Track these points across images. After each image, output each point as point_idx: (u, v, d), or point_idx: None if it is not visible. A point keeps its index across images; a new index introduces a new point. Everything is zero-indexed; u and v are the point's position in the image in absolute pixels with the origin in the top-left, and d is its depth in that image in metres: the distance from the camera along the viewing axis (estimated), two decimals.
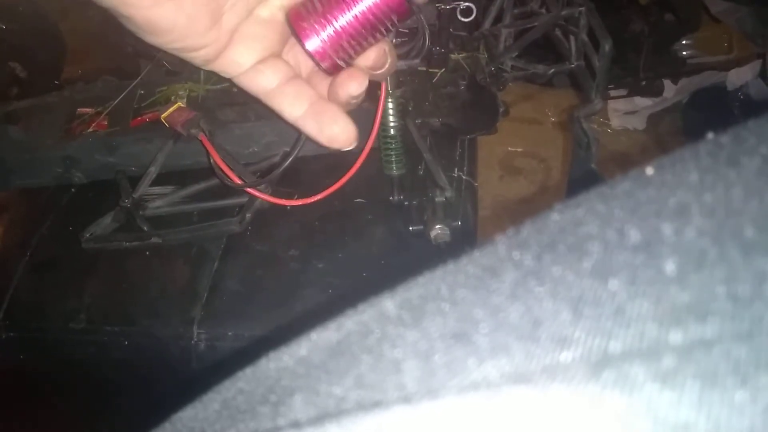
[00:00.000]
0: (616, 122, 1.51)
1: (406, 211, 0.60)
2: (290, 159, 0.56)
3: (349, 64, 0.41)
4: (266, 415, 0.20)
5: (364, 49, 0.41)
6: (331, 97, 0.43)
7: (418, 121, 0.62)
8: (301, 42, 0.40)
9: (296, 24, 0.39)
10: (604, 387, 0.15)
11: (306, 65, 0.44)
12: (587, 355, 0.16)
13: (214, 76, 0.54)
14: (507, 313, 0.18)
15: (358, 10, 0.39)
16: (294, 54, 0.44)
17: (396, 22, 0.40)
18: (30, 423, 0.66)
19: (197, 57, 0.41)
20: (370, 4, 0.38)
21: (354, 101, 0.43)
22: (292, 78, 0.43)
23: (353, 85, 0.41)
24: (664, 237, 0.18)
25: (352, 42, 0.40)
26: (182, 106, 0.61)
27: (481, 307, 0.19)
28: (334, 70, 0.41)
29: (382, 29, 0.40)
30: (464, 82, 0.64)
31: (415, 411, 0.17)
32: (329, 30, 0.39)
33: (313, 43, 0.39)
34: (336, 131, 0.42)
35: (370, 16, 0.39)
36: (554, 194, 1.38)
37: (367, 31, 0.39)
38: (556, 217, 0.21)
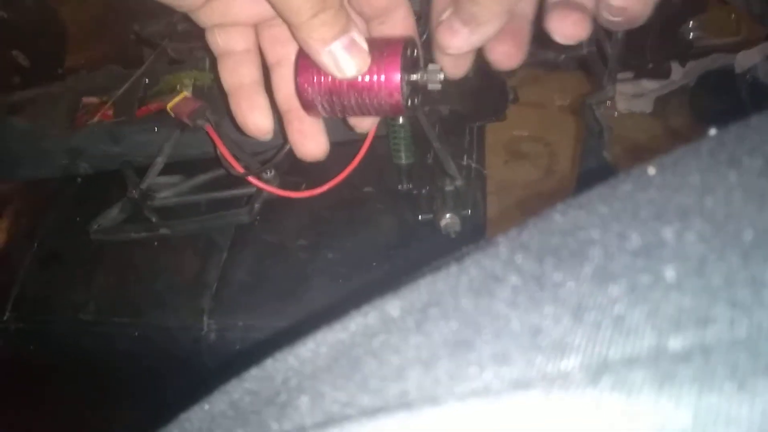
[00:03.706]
0: (622, 105, 1.50)
1: (415, 200, 0.60)
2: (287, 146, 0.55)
3: (324, 114, 0.41)
4: (273, 417, 0.21)
5: (344, 113, 0.41)
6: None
7: (427, 108, 0.62)
8: (296, 69, 0.39)
9: (302, 58, 0.39)
10: (603, 393, 0.15)
11: (273, 56, 0.43)
12: (587, 362, 0.16)
13: None
14: (509, 319, 0.18)
15: (360, 81, 0.38)
16: (271, 36, 0.42)
17: (387, 113, 0.40)
18: (38, 414, 0.66)
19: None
20: (372, 82, 0.38)
21: None
22: (251, 51, 0.42)
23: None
24: (665, 241, 0.18)
25: (339, 102, 0.39)
26: (188, 95, 0.61)
27: (484, 312, 0.19)
28: (307, 108, 0.41)
29: (371, 111, 0.40)
30: (473, 69, 0.63)
31: (416, 418, 0.17)
32: (327, 78, 0.38)
33: (305, 76, 0.39)
34: (241, 118, 0.42)
35: (365, 92, 0.38)
36: (560, 179, 1.37)
37: (357, 103, 0.39)
38: (558, 218, 0.21)
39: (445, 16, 0.37)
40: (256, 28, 0.42)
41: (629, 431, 0.15)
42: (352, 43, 0.36)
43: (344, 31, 0.36)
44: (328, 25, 0.35)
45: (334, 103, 0.39)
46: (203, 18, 0.41)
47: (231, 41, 0.41)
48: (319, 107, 0.40)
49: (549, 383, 0.16)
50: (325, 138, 0.43)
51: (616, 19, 0.35)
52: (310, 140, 0.42)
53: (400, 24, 0.40)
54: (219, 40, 0.41)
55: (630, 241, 0.18)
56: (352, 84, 0.38)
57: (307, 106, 0.40)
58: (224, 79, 0.42)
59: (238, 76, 0.41)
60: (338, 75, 0.37)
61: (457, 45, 0.37)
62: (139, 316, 0.57)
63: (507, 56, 0.39)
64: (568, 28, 0.35)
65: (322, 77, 0.38)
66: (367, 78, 0.38)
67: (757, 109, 0.21)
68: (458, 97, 0.63)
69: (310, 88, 0.39)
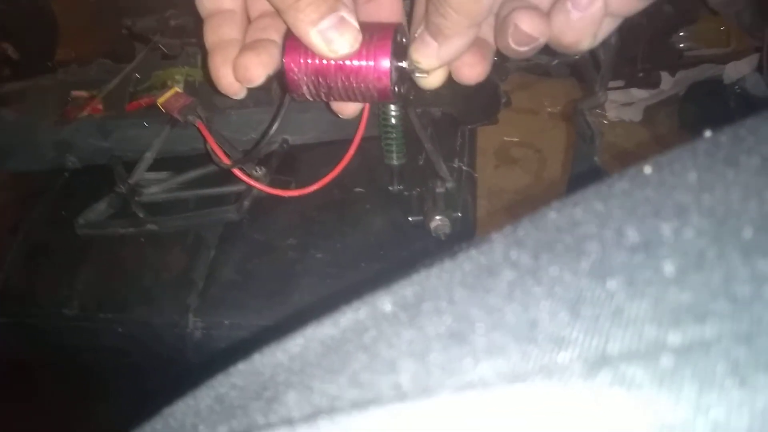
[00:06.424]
0: (612, 114, 1.51)
1: (405, 201, 0.60)
2: (272, 130, 0.54)
3: (309, 97, 0.41)
4: (259, 411, 0.20)
5: (330, 97, 0.41)
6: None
7: (419, 110, 0.62)
8: (283, 49, 0.39)
9: (289, 39, 0.38)
10: (601, 387, 0.15)
11: (254, 8, 0.42)
12: (584, 356, 0.16)
13: None
14: (504, 312, 0.18)
15: (348, 64, 0.38)
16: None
17: (374, 98, 0.40)
18: (22, 410, 0.65)
19: None
20: (361, 65, 0.38)
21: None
22: (236, 12, 0.42)
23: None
24: (663, 237, 0.18)
25: (326, 85, 0.39)
26: (179, 91, 0.60)
27: (478, 306, 0.19)
28: (292, 89, 0.40)
29: (357, 95, 0.39)
30: None
31: (409, 410, 0.17)
32: (315, 60, 0.38)
33: (292, 56, 0.38)
34: (214, 72, 0.41)
35: (353, 75, 0.38)
36: (550, 185, 1.37)
37: (344, 86, 0.39)
38: (553, 215, 0.21)
39: (418, 31, 0.37)
40: None
41: (629, 427, 0.14)
42: (342, 21, 0.36)
43: (332, 9, 0.35)
44: (314, 5, 0.35)
45: (320, 85, 0.39)
46: None
47: (218, 1, 0.41)
48: (305, 89, 0.40)
49: (545, 376, 0.16)
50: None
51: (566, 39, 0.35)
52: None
53: (386, 3, 0.40)
54: (206, 2, 0.41)
55: (627, 236, 0.18)
56: (340, 66, 0.38)
57: (293, 87, 0.40)
58: (206, 38, 0.41)
59: (219, 34, 0.41)
60: (330, 55, 0.37)
61: (428, 60, 0.37)
62: (125, 312, 0.56)
63: (470, 66, 0.39)
64: (529, 22, 0.35)
65: (310, 58, 0.38)
66: (356, 61, 0.38)
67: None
68: (450, 99, 0.63)
69: (296, 68, 0.38)
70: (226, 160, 0.56)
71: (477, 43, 0.38)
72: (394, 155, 0.59)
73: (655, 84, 1.47)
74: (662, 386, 0.14)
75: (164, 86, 0.64)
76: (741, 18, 1.43)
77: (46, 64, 0.86)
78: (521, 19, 0.34)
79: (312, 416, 0.18)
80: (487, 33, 0.39)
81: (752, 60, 1.36)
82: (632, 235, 0.18)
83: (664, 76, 1.47)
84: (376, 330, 0.20)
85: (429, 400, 0.17)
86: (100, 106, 0.65)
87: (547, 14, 0.35)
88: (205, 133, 0.56)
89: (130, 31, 0.77)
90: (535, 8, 0.35)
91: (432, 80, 0.39)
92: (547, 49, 0.37)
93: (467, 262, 0.21)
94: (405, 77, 0.40)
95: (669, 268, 0.17)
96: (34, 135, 0.64)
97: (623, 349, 0.16)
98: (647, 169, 0.20)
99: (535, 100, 1.53)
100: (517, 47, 0.36)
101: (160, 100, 0.59)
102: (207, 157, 0.58)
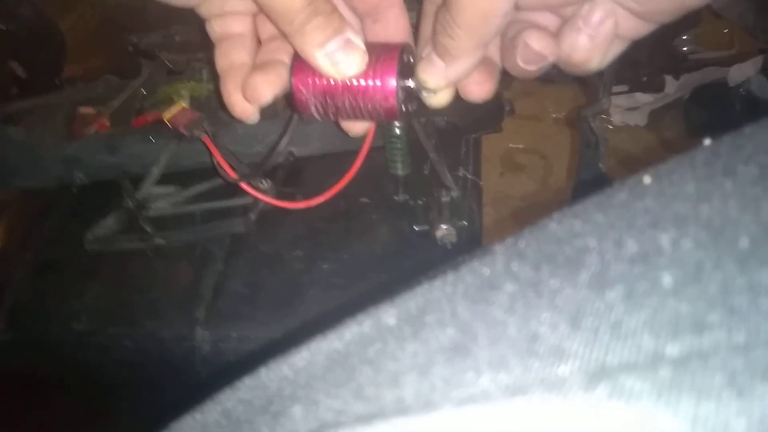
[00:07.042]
0: (617, 118, 1.51)
1: (411, 210, 0.60)
2: (280, 144, 0.55)
3: (317, 116, 0.41)
4: (266, 425, 0.20)
5: (338, 116, 0.41)
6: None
7: (423, 120, 0.62)
8: (291, 70, 0.39)
9: (297, 61, 0.39)
10: (600, 400, 0.15)
11: (264, 31, 0.43)
12: (584, 368, 0.16)
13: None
14: (506, 325, 0.18)
15: (355, 84, 0.38)
16: (261, 19, 0.43)
17: (381, 117, 0.40)
18: (32, 425, 0.65)
19: None
20: (368, 84, 0.38)
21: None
22: (246, 36, 0.42)
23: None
24: (661, 248, 0.18)
25: (333, 105, 0.40)
26: (185, 106, 0.61)
27: (480, 319, 0.19)
28: (301, 109, 0.41)
29: (365, 114, 0.40)
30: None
31: (413, 423, 0.17)
32: (322, 80, 0.39)
33: (300, 77, 0.39)
34: (227, 97, 0.41)
35: (360, 95, 0.39)
36: (555, 192, 1.37)
37: (351, 105, 0.39)
38: (554, 226, 0.21)
39: (425, 52, 0.38)
40: (254, 16, 0.42)
41: None
42: (348, 42, 0.36)
43: (338, 32, 0.36)
44: (320, 28, 0.35)
45: (328, 105, 0.39)
46: (203, 11, 0.41)
47: (227, 26, 0.42)
48: (313, 109, 0.40)
49: (546, 389, 0.16)
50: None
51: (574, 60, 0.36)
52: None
53: (393, 23, 0.40)
54: (216, 27, 0.42)
55: (626, 248, 0.18)
56: (347, 86, 0.38)
57: (301, 107, 0.40)
58: (217, 63, 0.42)
59: (230, 59, 0.41)
60: (337, 76, 0.37)
61: (435, 80, 0.38)
62: (134, 326, 0.56)
63: (478, 85, 0.39)
64: (539, 41, 0.35)
65: (317, 78, 0.39)
66: (362, 81, 0.38)
67: (751, 122, 0.21)
68: (455, 108, 0.63)
69: (304, 89, 0.39)
70: (232, 174, 0.56)
71: (484, 62, 0.38)
72: (399, 165, 0.59)
73: (659, 88, 1.46)
74: (660, 398, 0.15)
75: (170, 101, 0.65)
76: (744, 20, 1.43)
77: (53, 82, 0.86)
78: (531, 38, 0.35)
79: (317, 431, 0.19)
80: (494, 52, 0.39)
81: (757, 62, 1.36)
82: (631, 246, 0.18)
83: (669, 79, 1.47)
84: (380, 343, 0.20)
85: (432, 414, 0.17)
86: (107, 123, 0.66)
87: (555, 34, 0.36)
88: (211, 147, 0.57)
89: (136, 48, 0.78)
90: (544, 28, 0.36)
91: (439, 99, 0.40)
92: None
93: (470, 274, 0.21)
94: (412, 96, 0.41)
95: (667, 279, 0.17)
96: (42, 152, 0.65)
97: (622, 360, 0.16)
98: (646, 179, 0.20)
99: (540, 106, 1.53)
100: (526, 66, 0.36)
101: (167, 116, 0.60)
102: (213, 171, 0.59)
